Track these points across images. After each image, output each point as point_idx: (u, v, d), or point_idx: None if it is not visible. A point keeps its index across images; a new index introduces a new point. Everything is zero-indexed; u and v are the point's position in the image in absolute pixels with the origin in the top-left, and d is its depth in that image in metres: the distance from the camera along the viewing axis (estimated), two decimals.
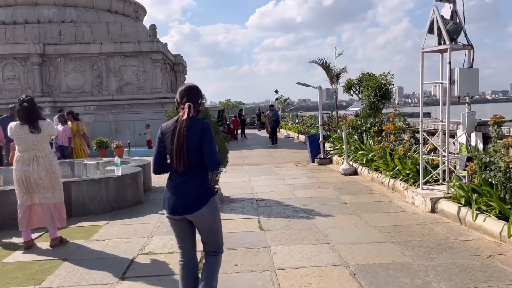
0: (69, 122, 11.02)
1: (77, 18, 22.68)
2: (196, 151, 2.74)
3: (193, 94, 2.87)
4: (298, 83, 12.69)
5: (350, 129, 11.56)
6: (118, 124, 20.74)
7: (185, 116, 2.76)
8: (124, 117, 20.81)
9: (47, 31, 21.47)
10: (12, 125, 5.10)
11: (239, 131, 26.91)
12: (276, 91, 37.20)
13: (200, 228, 2.92)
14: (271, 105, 23.59)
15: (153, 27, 21.81)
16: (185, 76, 31.14)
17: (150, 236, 5.62)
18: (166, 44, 28.67)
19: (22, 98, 5.08)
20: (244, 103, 43.11)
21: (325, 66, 12.84)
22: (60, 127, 10.47)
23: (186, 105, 2.80)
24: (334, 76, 12.81)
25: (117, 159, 7.50)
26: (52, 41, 21.05)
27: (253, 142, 22.52)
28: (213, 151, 2.78)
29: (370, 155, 9.39)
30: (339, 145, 11.62)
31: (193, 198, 2.80)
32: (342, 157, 10.76)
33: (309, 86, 12.52)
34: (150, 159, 3.88)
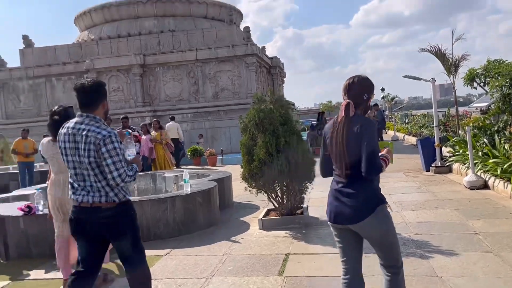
0: (153, 132, 10.49)
1: (175, 27, 23.00)
2: (357, 154, 2.49)
3: (354, 88, 2.62)
4: (406, 76, 10.73)
5: (476, 130, 9.26)
6: (214, 131, 20.38)
7: (341, 116, 2.58)
8: (220, 123, 20.38)
9: (147, 42, 22.05)
10: (43, 141, 4.28)
11: None
12: (382, 89, 34.40)
13: (368, 240, 2.67)
14: (375, 104, 21.34)
15: (246, 29, 21.12)
16: (283, 79, 30.15)
17: (209, 277, 4.42)
18: (264, 47, 28.06)
19: (53, 109, 4.20)
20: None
21: (440, 55, 10.64)
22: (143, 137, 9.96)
23: (344, 102, 2.60)
24: (451, 66, 10.54)
25: (185, 174, 6.49)
26: (151, 51, 21.54)
27: None
28: (370, 154, 2.48)
29: (506, 164, 7.17)
30: (461, 150, 9.38)
31: (355, 207, 2.55)
32: (466, 165, 8.58)
33: (420, 79, 10.47)
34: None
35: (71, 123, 2.99)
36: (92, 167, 2.85)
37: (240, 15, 27.00)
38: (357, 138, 2.49)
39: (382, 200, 2.60)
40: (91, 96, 2.99)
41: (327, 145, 2.69)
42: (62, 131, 3.00)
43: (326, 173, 2.82)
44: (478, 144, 8.89)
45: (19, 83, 22.31)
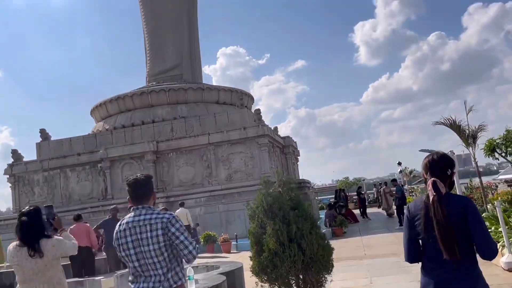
0: None
1: (188, 113, 23.46)
2: (462, 235, 2.40)
3: (435, 165, 2.63)
4: (422, 150, 10.30)
5: (506, 204, 8.56)
6: (228, 215, 19.77)
7: (431, 196, 2.52)
8: (234, 206, 19.83)
9: (161, 129, 22.38)
10: (10, 247, 3.79)
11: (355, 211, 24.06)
12: (399, 163, 33.80)
13: None
14: (394, 179, 20.66)
15: (257, 111, 21.39)
16: (297, 157, 29.97)
17: None
18: (276, 127, 28.29)
19: (22, 210, 3.81)
20: (363, 180, 39.99)
21: (455, 127, 10.28)
22: None
23: (430, 181, 2.58)
24: (469, 137, 10.12)
25: (189, 270, 5.87)
26: (164, 138, 21.76)
27: (377, 224, 19.54)
28: (487, 235, 2.43)
29: None
30: (492, 227, 8.60)
31: None
32: (501, 243, 7.79)
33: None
34: None
35: (128, 218, 3.09)
36: (161, 252, 2.95)
37: (251, 98, 27.61)
38: (461, 219, 2.42)
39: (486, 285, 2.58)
40: (144, 189, 3.14)
41: (418, 228, 2.57)
42: (120, 228, 3.07)
43: (415, 258, 2.68)
44: (510, 219, 8.14)
45: (34, 176, 22.52)
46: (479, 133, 10.10)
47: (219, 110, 23.53)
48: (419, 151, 10.15)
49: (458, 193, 9.62)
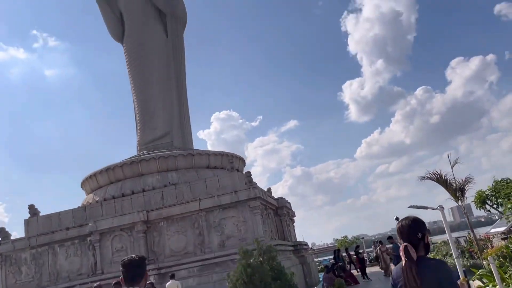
0: None
1: (178, 179, 23.28)
2: None
3: (407, 230, 2.69)
4: (412, 206, 10.08)
5: (501, 259, 8.22)
6: (222, 284, 18.91)
7: (403, 261, 2.59)
8: None
9: (151, 198, 22.07)
10: None
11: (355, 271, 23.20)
12: (397, 219, 33.14)
13: None
14: (389, 237, 20.16)
15: (247, 174, 21.25)
16: (293, 218, 29.41)
17: None
18: (269, 189, 28.05)
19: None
20: (363, 238, 39.00)
21: (442, 181, 10.16)
22: None
23: (401, 247, 2.63)
24: (457, 191, 9.97)
25: None
26: (155, 206, 21.38)
27: (378, 285, 18.76)
28: None
29: None
30: (490, 284, 8.19)
31: None
32: None
33: (426, 208, 9.80)
34: None
35: None
36: None
37: (242, 161, 27.60)
38: (437, 284, 2.44)
39: None
40: (139, 270, 3.14)
41: None
42: None
43: None
44: (506, 275, 7.77)
45: (21, 254, 21.77)
46: (466, 186, 9.96)
47: (210, 175, 23.39)
48: (409, 207, 9.91)
49: (454, 252, 9.27)
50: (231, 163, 22.33)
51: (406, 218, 2.78)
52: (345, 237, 35.43)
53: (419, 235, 2.67)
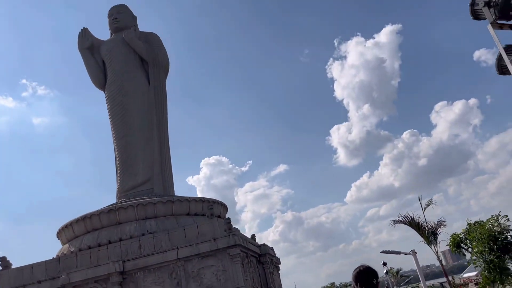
0: None
1: (157, 228, 22.68)
2: None
3: (365, 276, 3.25)
4: (384, 251, 9.85)
5: None
6: None
7: None
8: None
9: (128, 247, 21.35)
10: None
11: None
12: (384, 264, 32.53)
13: None
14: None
15: (227, 220, 20.83)
16: (277, 265, 28.61)
17: None
18: (253, 235, 27.39)
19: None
20: (350, 284, 37.90)
21: (414, 224, 9.96)
22: None
23: None
24: (429, 234, 9.75)
25: None
26: (132, 256, 20.65)
27: None
28: None
29: None
30: None
31: None
32: None
33: (399, 253, 9.59)
34: None
35: None
36: None
37: (224, 207, 27.12)
38: None
39: None
40: None
41: None
42: None
43: None
44: None
45: None
46: (439, 229, 9.76)
47: (190, 222, 22.84)
48: (381, 252, 9.66)
49: None
50: (210, 209, 21.89)
51: (363, 265, 3.21)
52: (333, 284, 34.30)
53: (374, 281, 3.14)
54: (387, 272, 32.26)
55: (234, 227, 25.68)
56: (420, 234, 9.67)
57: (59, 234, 25.35)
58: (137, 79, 29.70)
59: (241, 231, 22.15)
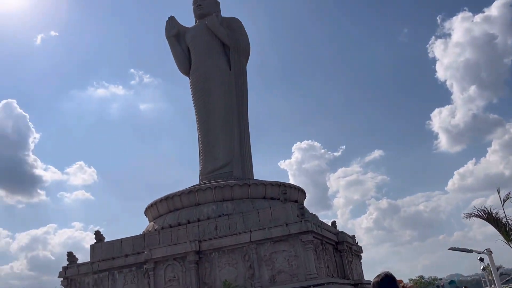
0: None
1: (233, 210, 23.08)
2: None
3: (387, 283, 2.94)
4: (452, 248, 8.75)
5: None
6: None
7: None
8: None
9: (205, 228, 22.03)
10: None
11: None
12: (481, 259, 29.70)
13: None
14: (452, 281, 17.81)
15: (300, 206, 20.44)
16: (358, 254, 27.56)
17: None
18: (334, 222, 26.69)
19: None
20: (440, 279, 35.30)
21: (492, 219, 8.65)
22: None
23: None
24: (509, 231, 8.41)
25: None
26: (208, 237, 21.26)
27: None
28: None
29: None
30: None
31: None
32: None
33: (470, 251, 8.43)
34: None
35: None
36: None
37: (301, 192, 26.71)
38: None
39: None
40: None
41: None
42: None
43: None
44: None
45: (85, 279, 22.76)
46: None
47: (265, 206, 22.85)
48: (449, 249, 8.56)
49: None
50: (284, 193, 21.64)
51: (385, 273, 3.01)
52: (421, 277, 32.32)
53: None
54: (484, 269, 29.37)
55: (313, 214, 25.28)
56: (499, 231, 8.38)
57: (146, 212, 27.08)
58: (218, 64, 30.23)
59: (333, 217, 21.72)
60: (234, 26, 31.88)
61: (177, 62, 32.46)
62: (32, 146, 75.82)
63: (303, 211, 20.10)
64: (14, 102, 73.72)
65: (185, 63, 32.06)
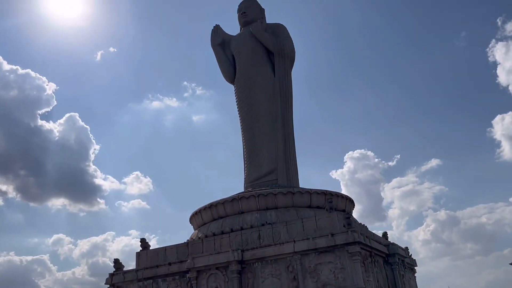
0: None
1: (276, 219, 22.41)
2: None
3: None
4: None
5: None
6: None
7: None
8: None
9: (248, 237, 21.49)
10: None
11: None
12: None
13: None
14: None
15: (346, 215, 19.37)
16: (412, 267, 25.81)
17: None
18: (385, 233, 25.26)
19: None
20: None
21: None
22: None
23: None
24: None
25: None
26: (251, 246, 20.70)
27: None
28: None
29: None
30: None
31: None
32: None
33: None
34: None
35: None
36: None
37: (348, 201, 25.51)
38: None
39: None
40: None
41: None
42: None
43: None
44: None
45: (130, 286, 22.90)
46: None
47: (310, 215, 21.97)
48: (510, 264, 7.37)
49: None
50: (329, 202, 20.65)
51: None
52: None
53: None
54: None
55: (362, 224, 24.04)
56: None
57: (191, 220, 26.98)
58: (263, 71, 29.87)
59: (388, 229, 20.47)
60: (278, 31, 31.45)
61: (222, 70, 32.47)
62: (92, 157, 79.54)
63: (349, 220, 19.03)
64: (76, 115, 77.53)
65: (230, 71, 31.98)
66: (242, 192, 25.50)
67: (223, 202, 24.17)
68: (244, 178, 28.53)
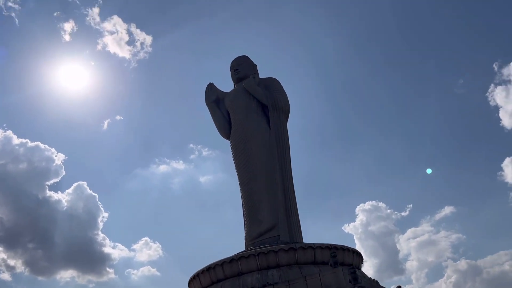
0: None
1: (279, 278, 20.88)
2: None
3: None
4: None
5: None
6: None
7: None
8: None
9: None
10: None
11: None
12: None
13: None
14: None
15: (351, 270, 17.88)
16: None
17: None
18: (399, 287, 23.51)
19: None
20: None
21: None
22: None
23: None
24: None
25: None
26: None
27: None
28: None
29: None
30: None
31: None
32: None
33: None
34: None
35: None
36: None
37: (356, 255, 23.94)
38: None
39: None
40: None
41: None
42: None
43: None
44: None
45: None
46: None
47: (315, 272, 20.45)
48: None
49: None
50: (333, 257, 19.24)
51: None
52: None
53: None
54: None
55: (372, 278, 22.37)
56: None
57: (189, 285, 25.34)
58: (257, 125, 29.45)
59: (407, 282, 18.96)
60: (271, 86, 31.43)
61: (218, 126, 32.15)
62: (101, 225, 78.20)
63: (355, 275, 17.56)
64: (84, 183, 77.26)
65: (226, 127, 31.64)
66: (242, 252, 24.07)
67: (221, 263, 22.71)
68: (245, 236, 27.16)
